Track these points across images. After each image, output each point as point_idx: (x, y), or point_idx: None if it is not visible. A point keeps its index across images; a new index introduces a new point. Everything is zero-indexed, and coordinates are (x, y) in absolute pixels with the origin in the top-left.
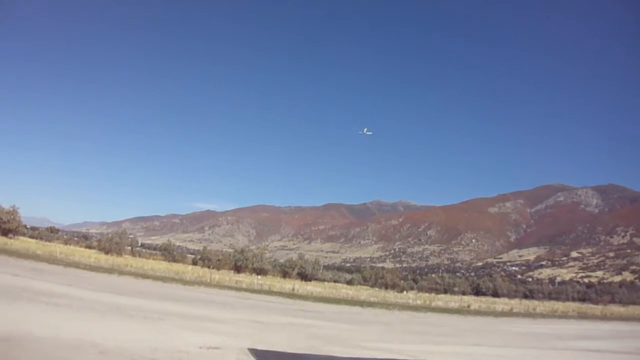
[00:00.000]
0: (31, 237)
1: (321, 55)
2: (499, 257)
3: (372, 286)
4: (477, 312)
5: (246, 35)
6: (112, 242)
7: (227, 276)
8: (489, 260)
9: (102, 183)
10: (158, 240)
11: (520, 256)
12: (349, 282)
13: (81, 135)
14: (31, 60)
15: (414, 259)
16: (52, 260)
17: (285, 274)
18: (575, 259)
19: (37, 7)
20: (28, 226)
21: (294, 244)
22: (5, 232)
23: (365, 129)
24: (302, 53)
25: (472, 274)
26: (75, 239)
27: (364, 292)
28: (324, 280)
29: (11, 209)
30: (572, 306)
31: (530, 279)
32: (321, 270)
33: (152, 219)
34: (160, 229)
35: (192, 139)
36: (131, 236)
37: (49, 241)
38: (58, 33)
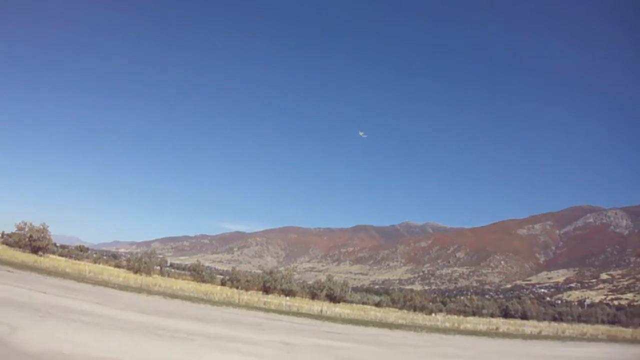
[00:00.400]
0: (61, 255)
1: (351, 79)
2: (528, 279)
3: (401, 308)
4: (506, 335)
5: (282, 57)
6: (141, 261)
7: (255, 297)
8: (518, 282)
9: (132, 203)
10: (187, 260)
11: (549, 278)
12: (378, 304)
13: (112, 156)
14: (64, 85)
15: (443, 281)
16: (81, 278)
17: (313, 296)
18: (604, 281)
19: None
20: (58, 244)
21: (322, 266)
22: (36, 250)
23: (362, 133)
24: (333, 76)
25: (501, 296)
26: (105, 258)
27: (392, 315)
28: (352, 302)
29: (41, 227)
30: (602, 329)
31: (559, 301)
32: (349, 292)
33: (182, 240)
34: (190, 249)
35: (223, 160)
36: (160, 256)
37: (79, 260)
38: (94, 55)
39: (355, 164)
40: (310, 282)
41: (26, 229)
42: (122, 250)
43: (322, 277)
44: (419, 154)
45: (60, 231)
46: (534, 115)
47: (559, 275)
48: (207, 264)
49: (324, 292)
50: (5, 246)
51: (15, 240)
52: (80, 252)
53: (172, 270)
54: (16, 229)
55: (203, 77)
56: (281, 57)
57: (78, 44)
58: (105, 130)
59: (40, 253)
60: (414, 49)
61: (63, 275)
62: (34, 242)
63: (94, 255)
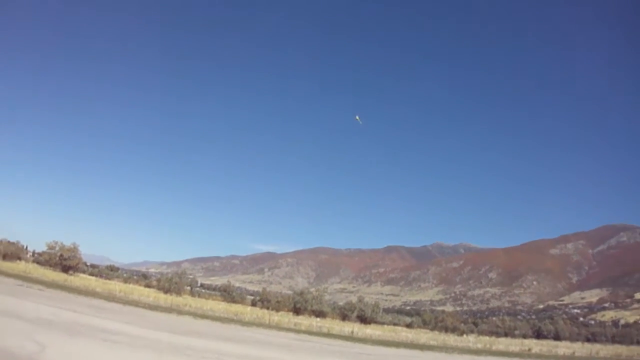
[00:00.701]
0: (91, 274)
1: (387, 101)
2: (561, 299)
3: (432, 329)
4: (539, 356)
5: (310, 71)
6: (171, 281)
7: (286, 318)
8: (551, 302)
9: (162, 223)
10: (217, 281)
11: (582, 298)
12: (409, 326)
13: (144, 176)
14: (95, 103)
15: (475, 302)
16: (111, 298)
17: (344, 317)
18: (639, 301)
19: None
20: (88, 264)
21: (353, 287)
22: (66, 269)
23: (357, 117)
24: (370, 98)
25: (533, 316)
26: (135, 277)
27: (423, 336)
28: (383, 324)
29: (72, 246)
30: (637, 350)
31: (592, 322)
32: (381, 314)
33: (212, 260)
34: (220, 270)
35: (254, 180)
36: (190, 276)
37: (109, 279)
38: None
39: (386, 185)
40: (341, 303)
41: (57, 248)
42: (152, 270)
43: (353, 298)
44: (450, 175)
45: (90, 250)
46: (565, 135)
47: (592, 295)
48: (237, 284)
49: (355, 313)
50: (36, 265)
51: (45, 259)
52: (110, 271)
53: (203, 290)
54: (47, 247)
55: (235, 95)
56: (316, 78)
57: (98, 58)
58: (137, 151)
59: (70, 272)
60: (455, 71)
61: (93, 294)
62: (64, 261)
63: (124, 275)
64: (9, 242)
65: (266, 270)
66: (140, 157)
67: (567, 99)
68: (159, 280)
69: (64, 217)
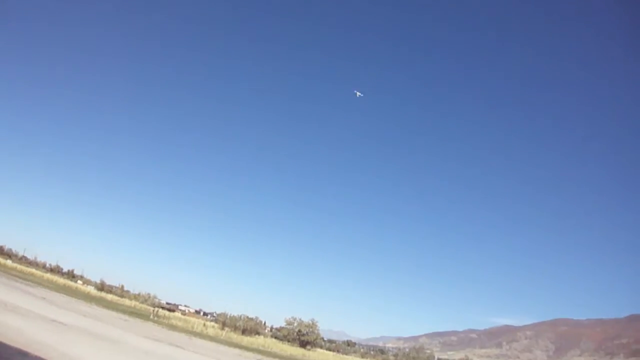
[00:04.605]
0: (328, 349)
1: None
2: None
3: None
4: None
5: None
6: (408, 357)
7: None
8: None
9: (400, 297)
10: (455, 355)
11: None
12: None
13: (379, 251)
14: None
15: None
16: None
17: None
18: None
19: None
20: (325, 339)
21: None
22: (304, 344)
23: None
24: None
25: None
26: (372, 352)
27: None
28: None
29: (311, 322)
30: None
31: None
32: None
33: (449, 334)
34: (457, 344)
35: (489, 251)
36: (428, 351)
37: (346, 354)
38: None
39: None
40: None
41: (295, 324)
42: (389, 345)
43: None
44: None
45: (328, 326)
46: None
47: None
48: (475, 359)
49: None
50: (274, 339)
51: (283, 334)
52: (347, 346)
53: None
54: (285, 323)
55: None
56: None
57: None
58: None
59: (308, 347)
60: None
61: None
62: (302, 337)
63: (361, 350)
64: (247, 317)
65: (504, 344)
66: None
67: None
68: (396, 356)
69: (302, 293)
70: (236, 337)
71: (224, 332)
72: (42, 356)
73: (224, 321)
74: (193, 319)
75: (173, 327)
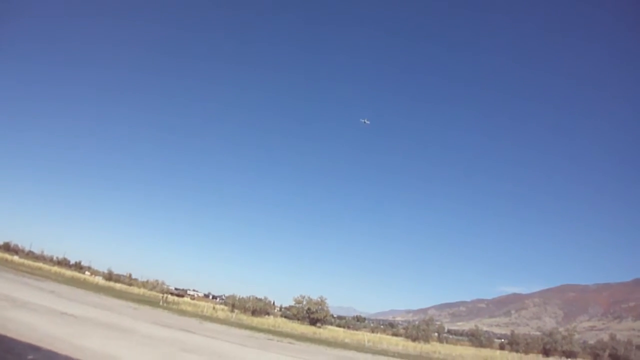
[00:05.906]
0: (338, 325)
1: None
2: None
3: None
4: None
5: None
6: (418, 329)
7: None
8: None
9: (407, 270)
10: (464, 326)
11: None
12: None
13: (384, 227)
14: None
15: None
16: (360, 348)
17: (595, 356)
18: None
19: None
20: (335, 315)
21: (603, 324)
22: (314, 322)
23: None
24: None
25: None
26: (382, 327)
27: None
28: None
29: (319, 299)
30: None
31: None
32: (634, 351)
33: (458, 305)
34: (466, 314)
35: (496, 218)
36: (437, 323)
37: (356, 330)
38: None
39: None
40: (591, 342)
41: (304, 302)
42: (398, 318)
43: (604, 337)
44: None
45: (336, 302)
46: None
47: None
48: (484, 328)
49: (607, 353)
50: (284, 319)
51: (293, 313)
52: (357, 322)
53: (450, 336)
54: (294, 302)
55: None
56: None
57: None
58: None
59: (318, 324)
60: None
61: (343, 345)
62: (312, 314)
63: (371, 325)
64: (256, 298)
65: (513, 312)
66: (388, 204)
67: None
68: (406, 329)
69: (310, 271)
70: (246, 318)
71: (233, 315)
72: (55, 350)
73: (233, 303)
74: (202, 303)
75: (183, 313)
